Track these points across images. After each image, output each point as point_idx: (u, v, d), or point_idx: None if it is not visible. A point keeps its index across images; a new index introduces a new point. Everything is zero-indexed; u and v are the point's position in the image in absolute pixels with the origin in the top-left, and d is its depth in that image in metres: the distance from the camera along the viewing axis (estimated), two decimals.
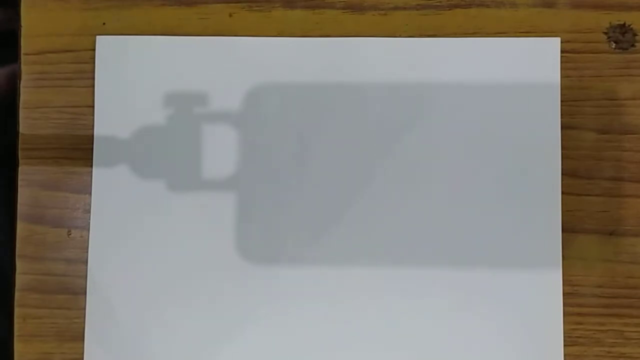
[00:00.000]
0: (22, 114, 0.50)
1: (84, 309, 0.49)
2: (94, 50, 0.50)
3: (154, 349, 0.49)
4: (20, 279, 0.50)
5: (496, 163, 0.49)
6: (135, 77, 0.50)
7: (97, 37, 0.50)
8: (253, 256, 0.49)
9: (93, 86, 0.50)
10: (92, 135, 0.50)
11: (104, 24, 0.51)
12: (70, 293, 0.49)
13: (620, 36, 0.49)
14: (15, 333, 0.49)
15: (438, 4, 0.50)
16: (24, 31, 0.51)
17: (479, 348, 0.48)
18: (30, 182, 0.50)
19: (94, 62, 0.50)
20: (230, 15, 0.50)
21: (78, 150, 0.50)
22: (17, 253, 0.50)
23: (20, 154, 0.50)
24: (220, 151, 0.50)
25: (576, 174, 0.49)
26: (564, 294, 0.48)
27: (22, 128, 0.50)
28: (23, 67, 0.51)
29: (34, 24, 0.51)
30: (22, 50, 0.51)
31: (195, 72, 0.50)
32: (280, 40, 0.50)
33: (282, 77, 0.50)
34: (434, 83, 0.49)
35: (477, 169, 0.49)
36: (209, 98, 0.50)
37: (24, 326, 0.50)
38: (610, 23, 0.49)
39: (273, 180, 0.49)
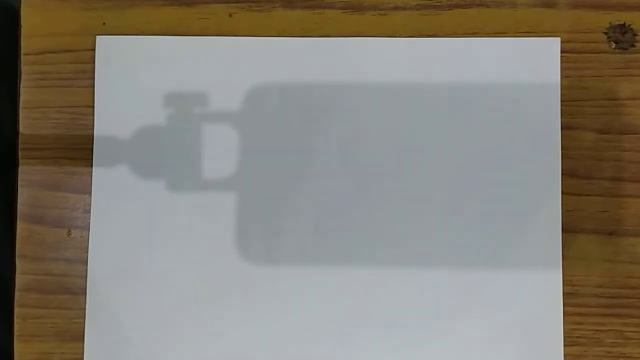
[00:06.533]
0: (22, 114, 0.50)
1: (84, 309, 0.49)
2: (94, 50, 0.50)
3: (153, 349, 0.49)
4: (20, 279, 0.50)
5: (496, 163, 0.49)
6: (135, 77, 0.50)
7: (97, 37, 0.50)
8: (253, 256, 0.49)
9: (93, 86, 0.50)
10: (92, 135, 0.50)
11: (104, 24, 0.51)
12: (70, 293, 0.49)
13: (620, 36, 0.49)
14: (15, 333, 0.49)
15: (438, 4, 0.50)
16: (24, 31, 0.51)
17: (479, 348, 0.48)
18: (30, 182, 0.50)
19: (94, 62, 0.50)
20: (230, 15, 0.50)
21: (78, 150, 0.50)
22: (17, 253, 0.50)
23: (20, 154, 0.50)
24: (220, 151, 0.50)
25: (576, 174, 0.49)
26: (564, 294, 0.48)
27: (22, 128, 0.50)
28: (23, 67, 0.51)
29: (34, 24, 0.51)
30: (22, 50, 0.51)
31: (195, 72, 0.50)
32: (280, 40, 0.50)
33: (282, 77, 0.50)
34: (434, 83, 0.49)
35: (477, 169, 0.49)
36: (209, 98, 0.50)
37: (23, 326, 0.50)
38: (610, 23, 0.49)
39: (273, 180, 0.49)
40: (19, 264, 0.50)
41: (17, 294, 0.50)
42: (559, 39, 0.49)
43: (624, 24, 0.49)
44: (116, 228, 0.50)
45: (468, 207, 0.48)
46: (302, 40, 0.50)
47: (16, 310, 0.50)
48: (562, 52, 0.49)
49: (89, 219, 0.50)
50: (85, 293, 0.49)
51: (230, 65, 0.50)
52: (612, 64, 0.49)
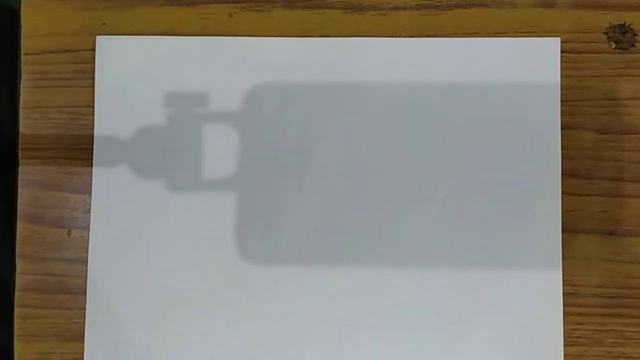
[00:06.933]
0: (22, 114, 0.50)
1: (84, 309, 0.49)
2: (94, 50, 0.50)
3: (153, 349, 0.49)
4: (20, 279, 0.50)
5: (496, 163, 0.49)
6: (135, 77, 0.50)
7: (97, 37, 0.50)
8: (253, 256, 0.49)
9: (93, 86, 0.50)
10: (92, 135, 0.50)
11: (104, 24, 0.51)
12: (70, 293, 0.49)
13: (620, 36, 0.49)
14: (15, 333, 0.49)
15: (438, 4, 0.50)
16: (24, 31, 0.51)
17: (479, 348, 0.48)
18: (30, 182, 0.50)
19: (94, 62, 0.50)
20: (230, 15, 0.50)
21: (78, 150, 0.50)
22: (17, 253, 0.50)
23: (20, 154, 0.50)
24: (220, 151, 0.50)
25: (576, 174, 0.49)
26: (564, 294, 0.48)
27: (22, 128, 0.50)
28: (23, 67, 0.51)
29: (34, 24, 0.51)
30: (22, 50, 0.51)
31: (195, 72, 0.50)
32: (280, 40, 0.50)
33: (282, 77, 0.50)
34: (434, 83, 0.49)
35: (477, 169, 0.49)
36: (209, 98, 0.50)
37: (24, 326, 0.50)
38: (610, 23, 0.49)
39: (273, 180, 0.49)
40: (19, 264, 0.50)
41: (17, 294, 0.50)
42: (559, 39, 0.49)
43: (624, 24, 0.49)
44: (116, 228, 0.50)
45: (468, 207, 0.48)
46: (302, 40, 0.50)
47: (16, 310, 0.50)
48: (562, 52, 0.49)
49: (89, 219, 0.50)
50: (85, 293, 0.49)
51: (230, 65, 0.50)
52: (612, 64, 0.49)
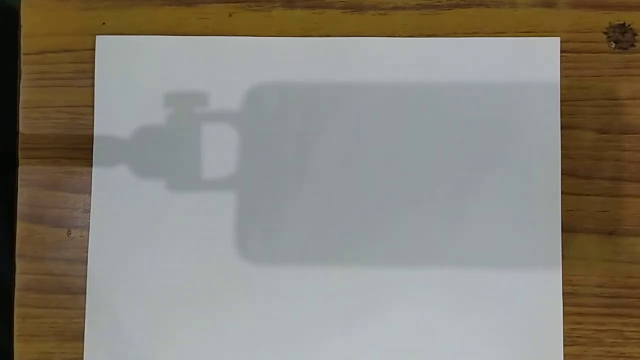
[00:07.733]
0: (22, 114, 0.50)
1: (84, 309, 0.49)
2: (94, 50, 0.50)
3: (153, 349, 0.49)
4: (20, 279, 0.50)
5: (496, 163, 0.49)
6: (135, 77, 0.50)
7: (97, 37, 0.50)
8: (253, 256, 0.49)
9: (93, 86, 0.50)
10: (92, 135, 0.50)
11: (104, 24, 0.51)
12: (70, 293, 0.49)
13: (620, 36, 0.49)
14: (15, 333, 0.49)
15: (438, 4, 0.50)
16: (24, 31, 0.51)
17: (479, 348, 0.48)
18: (30, 182, 0.50)
19: (94, 62, 0.50)
20: (230, 15, 0.50)
21: (78, 150, 0.50)
22: (17, 253, 0.50)
23: (20, 154, 0.50)
24: (220, 151, 0.50)
25: (576, 174, 0.49)
26: (564, 294, 0.48)
27: (22, 128, 0.50)
28: (23, 67, 0.51)
29: (34, 24, 0.51)
30: (22, 50, 0.51)
31: (195, 72, 0.50)
32: (280, 40, 0.50)
33: (282, 77, 0.50)
34: (434, 83, 0.49)
35: (477, 169, 0.49)
36: (209, 98, 0.50)
37: (24, 326, 0.50)
38: (610, 23, 0.49)
39: (273, 180, 0.49)
40: (19, 264, 0.50)
41: (17, 294, 0.50)
42: (559, 39, 0.49)
43: (624, 24, 0.49)
44: (116, 228, 0.50)
45: (468, 207, 0.48)
46: (302, 40, 0.50)
47: (16, 310, 0.50)
48: (562, 52, 0.49)
49: (89, 219, 0.50)
50: (85, 293, 0.49)
51: (230, 65, 0.50)
52: (612, 64, 0.49)
